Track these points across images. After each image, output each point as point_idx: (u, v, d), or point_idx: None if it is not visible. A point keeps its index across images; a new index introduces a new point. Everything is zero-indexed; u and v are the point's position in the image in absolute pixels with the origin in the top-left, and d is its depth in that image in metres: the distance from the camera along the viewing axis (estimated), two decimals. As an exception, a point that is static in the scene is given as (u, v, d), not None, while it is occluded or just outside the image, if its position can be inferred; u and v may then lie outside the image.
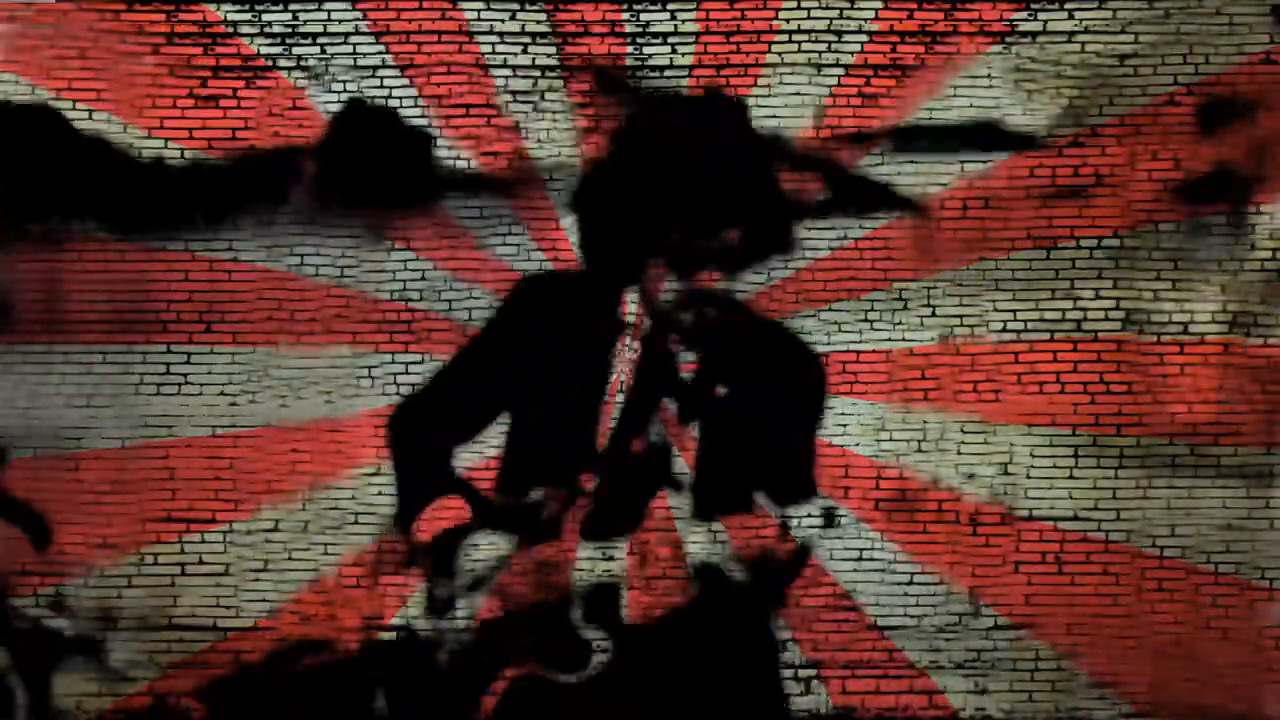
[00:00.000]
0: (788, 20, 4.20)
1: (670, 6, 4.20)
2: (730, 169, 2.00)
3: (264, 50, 4.24)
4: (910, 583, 4.23)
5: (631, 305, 2.06)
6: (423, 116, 4.25)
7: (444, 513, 2.15)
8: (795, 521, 2.06)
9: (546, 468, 2.10)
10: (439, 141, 4.26)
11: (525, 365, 2.15)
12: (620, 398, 2.09)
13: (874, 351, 4.25)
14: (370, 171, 4.16)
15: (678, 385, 2.09)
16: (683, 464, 2.09)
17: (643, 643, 2.05)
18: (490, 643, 2.10)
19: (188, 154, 4.25)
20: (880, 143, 4.17)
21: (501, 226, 4.12)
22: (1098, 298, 4.27)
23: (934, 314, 4.27)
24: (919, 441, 4.25)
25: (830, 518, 2.07)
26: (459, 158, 4.26)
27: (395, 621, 2.14)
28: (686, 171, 1.98)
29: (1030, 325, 4.27)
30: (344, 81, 4.26)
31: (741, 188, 2.00)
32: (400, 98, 4.25)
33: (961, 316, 4.27)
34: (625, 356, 2.09)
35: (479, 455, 2.29)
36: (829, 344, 4.26)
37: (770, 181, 2.05)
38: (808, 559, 2.07)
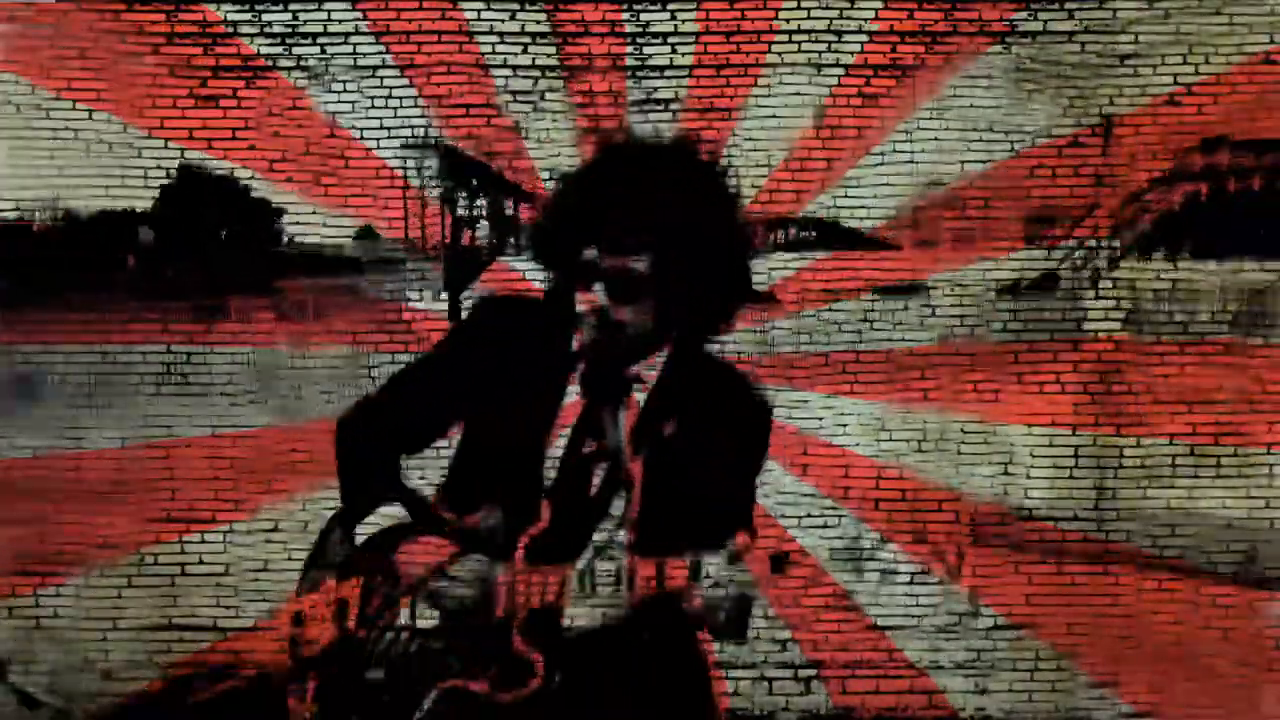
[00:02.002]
0: (788, 20, 4.20)
1: (670, 6, 4.20)
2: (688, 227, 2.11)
3: (264, 50, 4.24)
4: (910, 583, 4.23)
5: (584, 337, 2.14)
6: (422, 116, 4.25)
7: (386, 518, 2.20)
8: (740, 566, 2.10)
9: (494, 489, 2.18)
10: (284, 216, 4.26)
11: (479, 384, 2.21)
12: (570, 427, 2.19)
13: (874, 351, 4.25)
14: (208, 245, 4.13)
15: (626, 417, 2.17)
16: (627, 496, 2.16)
17: (579, 663, 2.14)
18: (425, 654, 2.14)
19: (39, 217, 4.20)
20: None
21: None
22: (1098, 298, 4.27)
23: (934, 314, 4.27)
24: (919, 441, 4.25)
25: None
26: (306, 233, 4.27)
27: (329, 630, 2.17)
28: (646, 218, 2.09)
29: (1030, 325, 4.27)
30: (344, 81, 4.25)
31: (698, 243, 2.12)
32: (400, 98, 4.25)
33: (961, 316, 4.27)
34: (578, 386, 2.18)
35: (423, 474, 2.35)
36: (829, 344, 4.27)
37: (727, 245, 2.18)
38: (751, 604, 2.11)
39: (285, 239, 4.24)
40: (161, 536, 4.21)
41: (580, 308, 2.12)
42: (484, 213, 4.28)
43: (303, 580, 2.28)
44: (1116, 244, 4.22)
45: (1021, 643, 4.22)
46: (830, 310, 4.27)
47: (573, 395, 2.19)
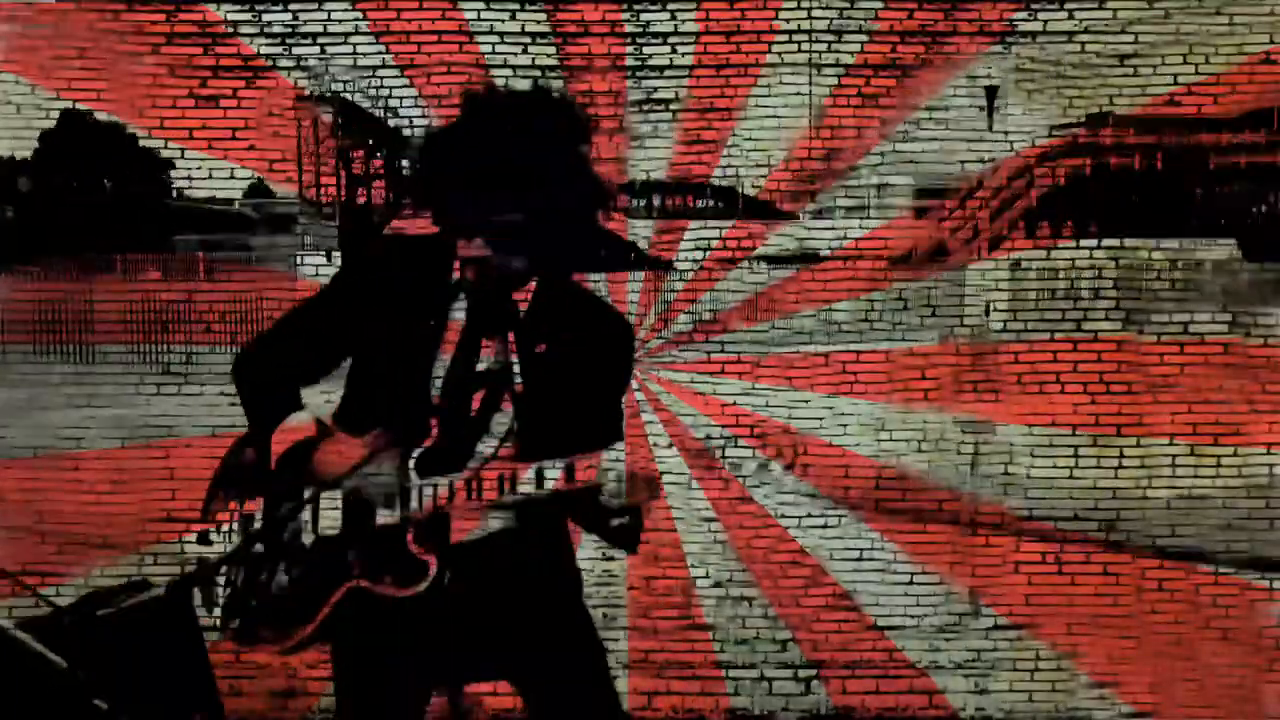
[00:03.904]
0: (788, 20, 4.20)
1: (670, 6, 4.20)
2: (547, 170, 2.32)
3: (264, 50, 4.24)
4: (910, 583, 4.23)
5: (465, 276, 2.34)
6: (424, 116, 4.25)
7: (294, 431, 2.42)
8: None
9: (386, 413, 2.38)
10: (173, 170, 4.25)
11: (367, 317, 2.42)
12: (451, 352, 2.39)
13: (874, 351, 4.25)
14: (92, 198, 4.10)
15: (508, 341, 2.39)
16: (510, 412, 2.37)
17: (467, 564, 2.36)
18: (328, 558, 2.37)
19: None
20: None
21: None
22: (1098, 298, 4.27)
23: (934, 314, 4.27)
24: (919, 441, 4.25)
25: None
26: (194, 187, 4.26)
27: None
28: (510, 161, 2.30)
29: (1030, 325, 4.27)
30: (344, 81, 4.26)
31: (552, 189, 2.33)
32: (400, 98, 4.25)
33: (961, 316, 4.27)
34: (457, 314, 2.39)
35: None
36: (829, 344, 4.27)
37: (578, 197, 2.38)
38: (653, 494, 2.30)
39: (174, 193, 4.21)
40: (162, 536, 4.22)
41: (462, 254, 2.31)
42: (379, 169, 4.27)
43: (208, 501, 2.45)
44: (1003, 219, 4.25)
45: (1021, 642, 4.22)
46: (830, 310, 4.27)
47: (455, 322, 2.37)
